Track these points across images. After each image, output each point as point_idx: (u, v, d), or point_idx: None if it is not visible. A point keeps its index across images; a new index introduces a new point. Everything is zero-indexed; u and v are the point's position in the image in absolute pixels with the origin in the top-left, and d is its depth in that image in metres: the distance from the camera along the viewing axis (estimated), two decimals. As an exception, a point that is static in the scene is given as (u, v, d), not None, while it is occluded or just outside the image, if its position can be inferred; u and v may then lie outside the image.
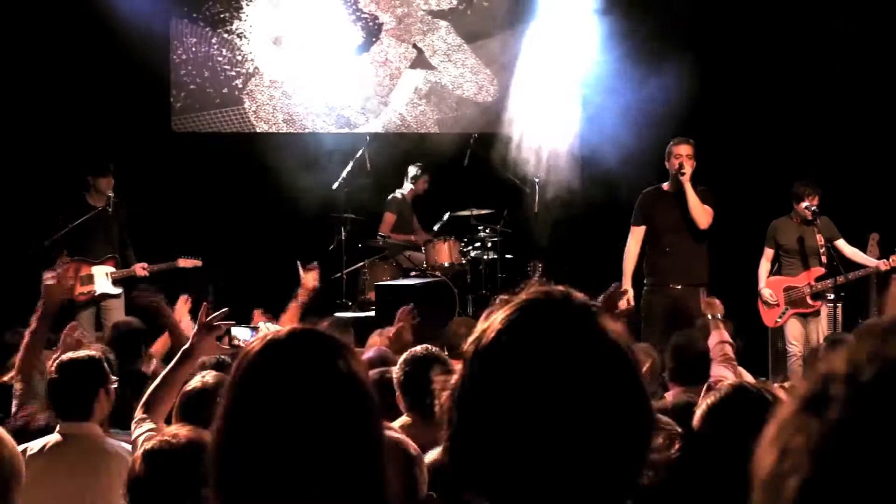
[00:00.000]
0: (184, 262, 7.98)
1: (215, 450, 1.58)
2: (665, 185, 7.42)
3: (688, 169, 7.15)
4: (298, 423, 1.51)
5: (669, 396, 4.36)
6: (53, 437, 3.39)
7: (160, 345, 5.71)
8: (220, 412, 1.58)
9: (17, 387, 4.01)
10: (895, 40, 9.02)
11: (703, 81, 9.31)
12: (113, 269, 7.94)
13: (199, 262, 8.04)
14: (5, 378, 4.24)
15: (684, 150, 7.25)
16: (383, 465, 1.57)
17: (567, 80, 9.93)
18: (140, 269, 7.92)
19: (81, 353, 3.61)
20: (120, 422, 3.64)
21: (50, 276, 4.07)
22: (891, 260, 7.43)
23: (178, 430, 2.33)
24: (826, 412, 0.60)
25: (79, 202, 7.96)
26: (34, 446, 3.34)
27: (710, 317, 4.99)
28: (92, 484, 3.26)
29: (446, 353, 4.63)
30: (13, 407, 3.96)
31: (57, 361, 3.53)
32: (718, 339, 4.71)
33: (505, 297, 1.17)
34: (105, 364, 3.57)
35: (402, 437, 2.53)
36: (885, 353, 0.60)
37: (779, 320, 7.78)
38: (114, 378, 3.56)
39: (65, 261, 4.24)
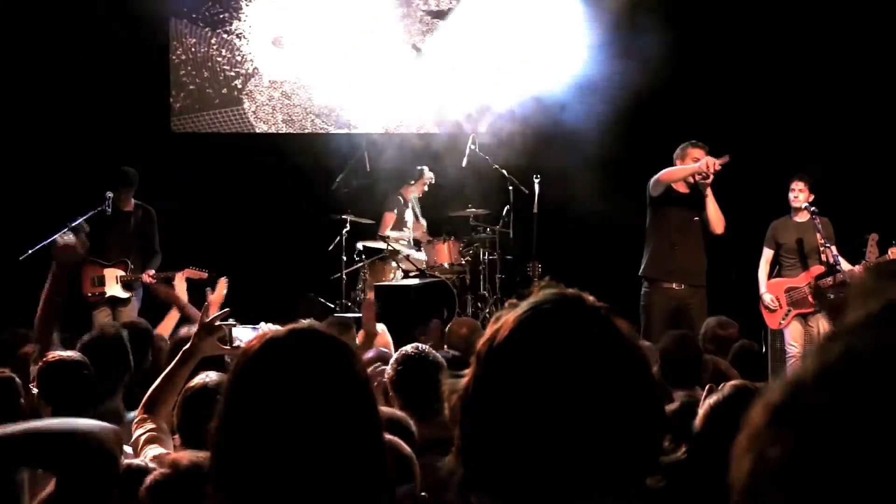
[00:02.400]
0: (189, 273, 7.97)
1: (215, 448, 1.57)
2: (674, 184, 7.35)
3: (711, 175, 7.11)
4: (297, 421, 1.51)
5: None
6: None
7: (168, 323, 5.72)
8: (219, 410, 1.58)
9: (31, 349, 4.02)
10: (895, 39, 9.02)
11: (703, 82, 9.32)
12: (123, 273, 7.96)
13: (204, 275, 8.02)
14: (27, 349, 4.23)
15: (700, 153, 7.20)
16: (384, 464, 1.57)
17: (560, 75, 9.93)
18: (147, 276, 7.93)
19: (68, 354, 3.59)
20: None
21: (62, 238, 4.06)
22: (890, 253, 7.41)
23: (180, 457, 2.33)
24: (797, 421, 0.59)
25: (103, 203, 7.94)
26: None
27: None
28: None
29: (447, 352, 4.64)
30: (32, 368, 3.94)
31: (45, 362, 3.52)
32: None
33: (514, 300, 1.17)
34: (89, 364, 3.56)
35: (393, 437, 2.53)
36: (853, 360, 0.59)
37: (782, 322, 7.77)
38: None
39: (81, 232, 4.26)
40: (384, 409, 2.89)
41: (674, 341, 4.67)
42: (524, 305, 1.15)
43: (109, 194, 7.96)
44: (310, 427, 1.51)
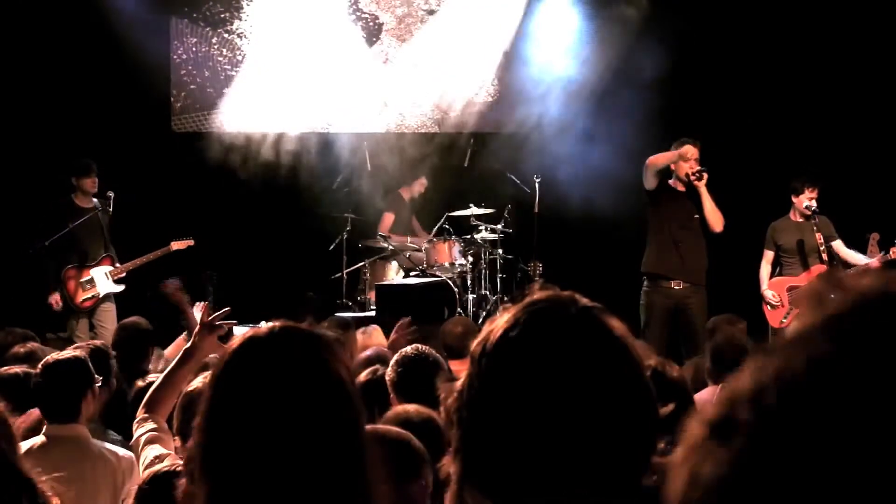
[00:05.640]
0: (177, 245, 7.97)
1: (198, 448, 1.58)
2: (671, 182, 7.35)
3: (705, 174, 7.09)
4: (276, 419, 1.51)
5: (706, 394, 4.37)
6: (39, 439, 3.37)
7: (175, 350, 5.72)
8: (201, 410, 1.59)
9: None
10: (895, 39, 9.02)
11: (704, 81, 9.32)
12: (111, 268, 7.93)
13: (191, 242, 8.03)
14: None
15: (694, 152, 7.18)
16: (365, 462, 1.56)
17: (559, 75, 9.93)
18: (132, 264, 7.95)
19: (66, 354, 3.57)
20: (123, 422, 3.61)
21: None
22: (891, 252, 7.42)
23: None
24: (733, 439, 0.57)
25: (67, 205, 7.92)
26: (20, 448, 3.33)
27: None
28: (77, 486, 3.25)
29: (443, 352, 4.64)
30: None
31: (42, 363, 3.51)
32: None
33: (509, 302, 1.18)
34: (90, 364, 3.54)
35: (404, 432, 2.52)
36: (789, 375, 0.57)
37: (784, 321, 7.76)
38: (98, 377, 3.53)
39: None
40: (412, 407, 2.89)
41: (724, 338, 4.74)
42: (518, 307, 1.15)
43: (110, 194, 7.97)
44: (288, 424, 1.51)
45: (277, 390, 1.54)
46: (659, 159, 7.24)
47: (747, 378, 0.59)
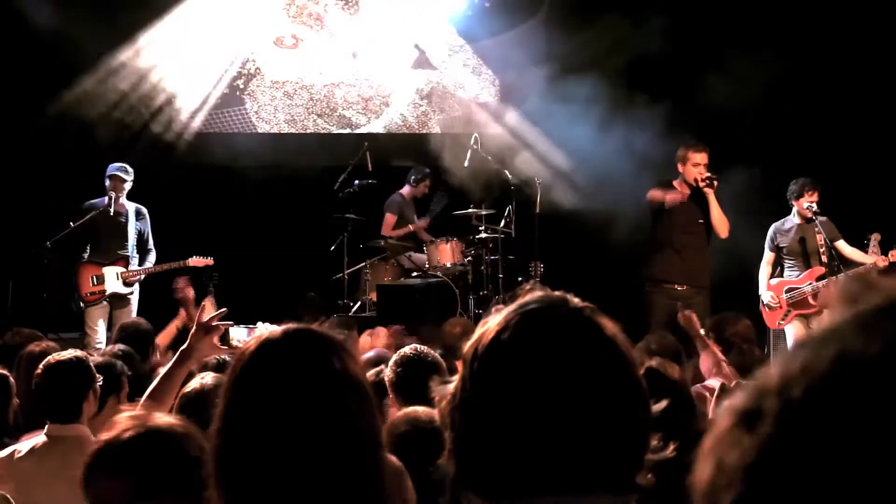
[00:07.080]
0: (195, 262, 8.01)
1: (215, 450, 1.58)
2: (677, 184, 7.35)
3: (716, 181, 7.12)
4: (294, 421, 1.52)
5: None
6: (41, 440, 3.38)
7: (165, 336, 5.73)
8: (218, 412, 1.59)
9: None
10: (895, 39, 9.01)
11: (706, 80, 9.30)
12: (123, 269, 7.99)
13: (210, 261, 8.07)
14: None
15: (702, 157, 7.19)
16: (380, 462, 1.57)
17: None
18: (146, 270, 7.98)
19: (67, 354, 3.58)
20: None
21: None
22: (890, 255, 7.42)
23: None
24: (758, 428, 0.59)
25: (91, 207, 7.98)
26: (22, 448, 3.33)
27: (697, 335, 4.95)
28: (79, 486, 3.25)
29: (440, 352, 4.65)
30: None
31: (43, 363, 3.51)
32: (714, 360, 4.69)
33: (501, 303, 1.18)
34: (91, 364, 3.54)
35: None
36: (816, 367, 0.58)
37: (781, 322, 7.76)
38: (99, 377, 3.54)
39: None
40: (421, 409, 2.90)
41: (655, 340, 4.75)
42: (510, 308, 1.15)
43: (112, 194, 7.99)
44: (305, 425, 1.52)
45: (296, 392, 1.55)
46: (656, 197, 7.28)
47: (776, 371, 0.60)
